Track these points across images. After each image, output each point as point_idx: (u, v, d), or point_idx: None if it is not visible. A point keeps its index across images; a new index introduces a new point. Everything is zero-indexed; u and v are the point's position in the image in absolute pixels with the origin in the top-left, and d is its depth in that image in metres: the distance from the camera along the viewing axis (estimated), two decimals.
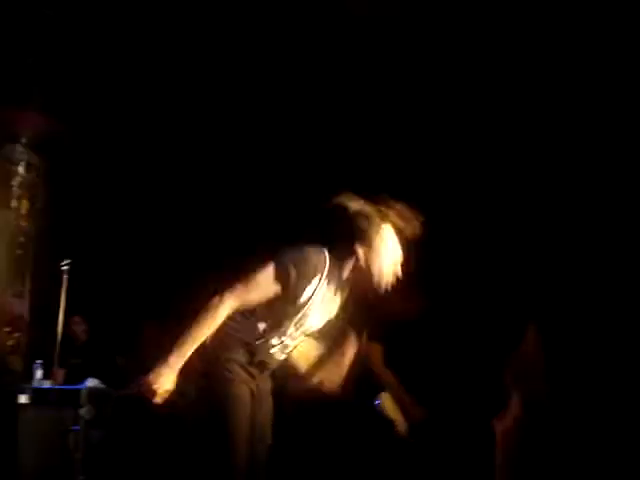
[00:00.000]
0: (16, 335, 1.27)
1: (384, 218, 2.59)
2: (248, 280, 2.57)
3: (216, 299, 2.52)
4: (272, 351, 2.69)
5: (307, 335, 2.77)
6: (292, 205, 5.30)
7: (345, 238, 2.63)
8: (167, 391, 2.46)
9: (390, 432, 3.93)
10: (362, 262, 2.59)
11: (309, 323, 2.70)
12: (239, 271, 2.63)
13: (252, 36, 4.66)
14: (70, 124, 4.75)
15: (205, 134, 5.53)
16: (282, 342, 2.69)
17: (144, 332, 6.28)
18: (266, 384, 2.78)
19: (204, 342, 2.57)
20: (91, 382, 5.70)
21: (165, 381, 2.44)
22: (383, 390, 4.03)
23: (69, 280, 4.55)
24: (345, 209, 2.60)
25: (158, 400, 2.45)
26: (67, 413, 5.00)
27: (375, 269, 2.59)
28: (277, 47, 4.80)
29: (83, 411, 5.33)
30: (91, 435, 5.36)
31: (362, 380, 3.84)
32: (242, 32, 4.64)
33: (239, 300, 2.55)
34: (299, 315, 2.64)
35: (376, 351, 4.11)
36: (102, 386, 5.78)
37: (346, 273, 2.66)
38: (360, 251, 2.59)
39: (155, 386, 2.42)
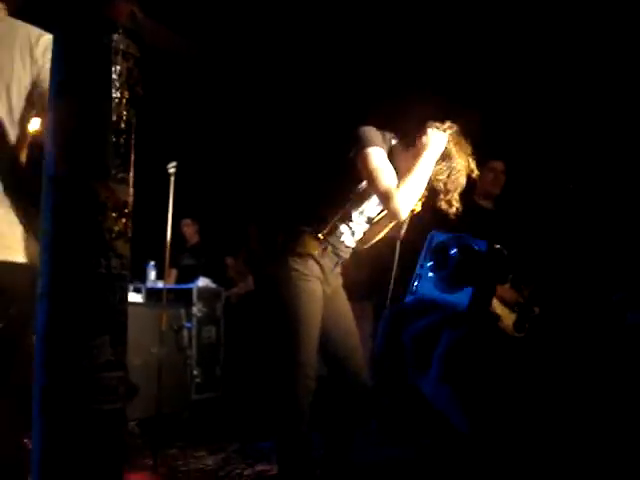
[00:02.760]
0: (123, 221, 1.25)
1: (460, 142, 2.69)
2: (376, 173, 2.53)
3: (390, 199, 2.51)
4: (342, 239, 2.71)
5: (369, 223, 2.79)
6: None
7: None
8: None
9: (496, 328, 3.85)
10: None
11: (370, 209, 2.73)
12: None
13: None
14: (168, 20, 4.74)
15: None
16: (350, 228, 2.72)
17: (249, 233, 6.38)
18: (337, 280, 2.81)
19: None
20: (202, 281, 5.87)
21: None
22: None
23: (176, 182, 4.59)
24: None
25: None
26: (180, 311, 5.20)
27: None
28: None
29: (195, 309, 5.54)
30: (202, 331, 5.58)
31: None
32: None
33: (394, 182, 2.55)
34: (363, 201, 2.68)
35: None
36: (213, 285, 5.96)
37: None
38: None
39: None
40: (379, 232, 2.90)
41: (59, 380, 1.02)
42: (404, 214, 2.55)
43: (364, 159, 2.55)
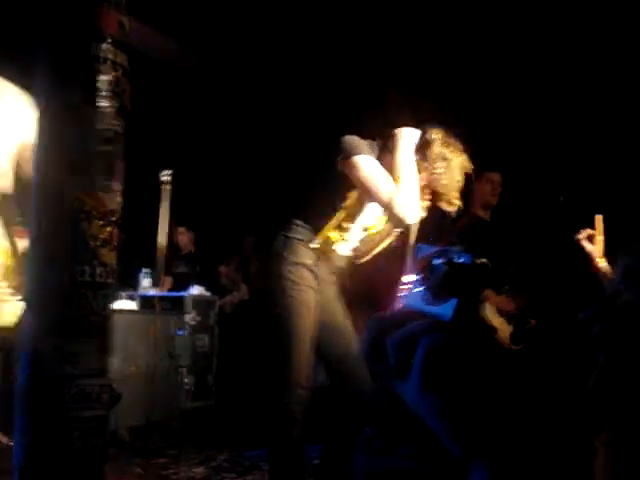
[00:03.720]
0: (108, 229, 1.24)
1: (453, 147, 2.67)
2: (371, 182, 2.51)
3: (393, 206, 2.48)
4: (335, 247, 2.68)
5: (365, 230, 2.75)
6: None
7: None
8: None
9: (492, 340, 3.84)
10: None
11: (365, 216, 2.69)
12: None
13: None
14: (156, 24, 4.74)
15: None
16: (342, 236, 2.68)
17: (244, 243, 6.39)
18: (332, 288, 2.77)
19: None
20: (196, 290, 5.86)
21: None
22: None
23: (172, 190, 4.59)
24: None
25: None
26: (172, 319, 5.18)
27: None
28: None
29: (188, 317, 5.52)
30: (195, 340, 5.56)
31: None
32: None
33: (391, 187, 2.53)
34: (355, 209, 2.63)
35: None
36: (206, 293, 5.94)
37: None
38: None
39: None
40: (381, 241, 2.88)
41: (42, 386, 1.03)
42: (411, 217, 2.53)
43: (354, 168, 2.53)
